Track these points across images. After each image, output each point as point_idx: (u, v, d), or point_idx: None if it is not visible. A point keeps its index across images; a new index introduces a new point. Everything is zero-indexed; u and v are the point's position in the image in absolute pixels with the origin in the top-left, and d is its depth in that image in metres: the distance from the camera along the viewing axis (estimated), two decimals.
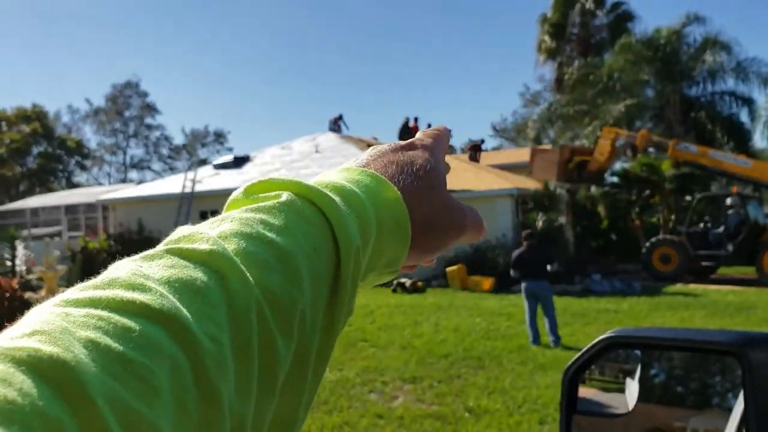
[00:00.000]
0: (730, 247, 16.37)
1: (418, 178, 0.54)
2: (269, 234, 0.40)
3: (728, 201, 17.28)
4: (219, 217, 0.43)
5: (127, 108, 56.79)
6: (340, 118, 27.44)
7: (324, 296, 0.42)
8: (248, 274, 0.37)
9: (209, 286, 0.35)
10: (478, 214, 0.60)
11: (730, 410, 0.83)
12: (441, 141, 0.63)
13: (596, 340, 0.90)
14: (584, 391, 0.96)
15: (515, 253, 9.12)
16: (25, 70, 78.35)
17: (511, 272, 9.10)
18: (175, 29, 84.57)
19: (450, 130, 0.66)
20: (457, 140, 64.02)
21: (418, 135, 0.64)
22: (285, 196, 0.43)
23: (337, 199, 0.45)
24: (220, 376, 0.32)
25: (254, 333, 0.35)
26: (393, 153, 0.57)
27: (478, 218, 0.60)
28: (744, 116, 23.11)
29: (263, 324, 0.36)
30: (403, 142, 0.59)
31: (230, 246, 0.38)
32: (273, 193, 0.43)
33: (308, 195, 0.43)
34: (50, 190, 45.54)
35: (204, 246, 0.37)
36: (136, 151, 58.88)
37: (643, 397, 0.90)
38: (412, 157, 0.57)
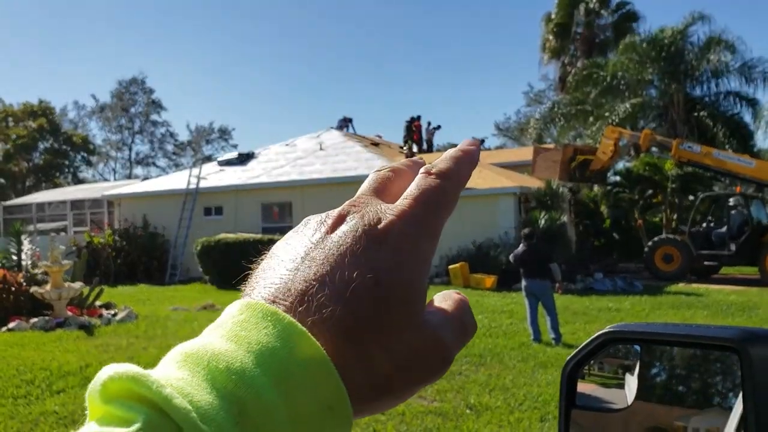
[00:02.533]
0: (732, 247, 16.33)
1: (365, 298, 0.33)
2: None
3: (731, 201, 17.24)
4: None
5: (132, 104, 56.83)
6: (350, 120, 27.51)
7: None
8: None
9: None
10: (465, 320, 0.38)
11: (730, 409, 0.81)
12: (440, 187, 0.38)
13: (595, 335, 0.88)
14: (583, 386, 0.93)
15: (515, 252, 9.09)
16: (31, 66, 78.55)
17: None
18: (181, 26, 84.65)
19: (477, 153, 0.42)
20: (460, 139, 63.92)
21: (385, 174, 0.41)
22: (141, 419, 0.27)
23: (211, 408, 0.28)
24: None
25: None
26: (316, 243, 0.36)
27: (466, 329, 0.38)
28: (747, 116, 23.13)
29: None
30: (337, 211, 0.37)
31: None
32: (128, 409, 0.28)
33: (170, 414, 0.27)
34: (56, 185, 45.70)
35: None
36: (141, 147, 58.85)
37: (641, 393, 0.88)
38: (348, 246, 0.34)
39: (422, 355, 0.34)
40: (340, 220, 0.36)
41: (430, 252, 0.36)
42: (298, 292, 0.33)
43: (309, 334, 0.31)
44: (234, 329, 0.31)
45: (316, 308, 0.32)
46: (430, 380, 0.35)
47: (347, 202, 0.38)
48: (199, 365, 0.29)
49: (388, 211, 0.36)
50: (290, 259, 0.35)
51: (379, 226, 0.35)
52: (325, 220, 0.37)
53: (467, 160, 0.41)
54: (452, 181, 0.39)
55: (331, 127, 26.35)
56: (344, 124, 27.19)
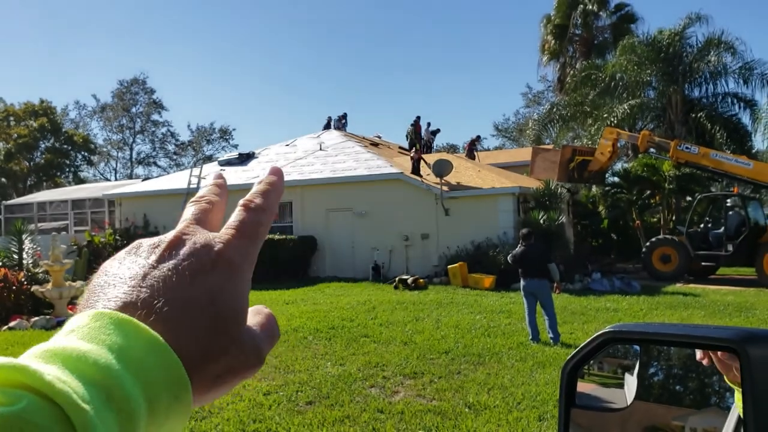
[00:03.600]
0: (730, 248, 16.37)
1: (203, 312, 0.40)
2: None
3: (729, 202, 17.31)
4: None
5: (133, 104, 56.70)
6: (344, 116, 27.51)
7: None
8: None
9: None
10: (273, 330, 0.46)
11: (728, 409, 0.83)
12: (257, 220, 0.46)
13: (595, 335, 0.89)
14: (583, 386, 0.95)
15: (513, 252, 9.13)
16: (33, 66, 78.27)
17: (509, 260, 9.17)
18: (183, 26, 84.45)
19: (281, 183, 0.51)
20: (460, 140, 63.94)
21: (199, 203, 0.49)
22: (24, 401, 0.31)
23: (85, 393, 0.32)
24: None
25: None
26: (153, 264, 0.41)
27: (273, 336, 0.45)
28: (745, 118, 23.17)
29: None
30: (170, 238, 0.43)
31: None
32: (9, 396, 0.31)
33: (53, 397, 0.31)
34: (57, 185, 45.62)
35: None
36: (142, 147, 58.75)
37: (640, 393, 0.89)
38: (185, 268, 0.41)
39: (246, 355, 0.41)
40: (173, 245, 0.42)
41: (250, 275, 0.44)
42: (144, 305, 0.38)
43: (161, 338, 0.37)
44: (92, 333, 0.36)
45: (163, 319, 0.38)
46: (250, 374, 0.42)
47: (176, 230, 0.44)
48: (67, 361, 0.34)
49: (217, 239, 0.43)
50: (129, 278, 0.40)
51: (210, 253, 0.42)
52: (158, 245, 0.43)
53: (276, 193, 0.49)
54: (266, 213, 0.47)
55: (335, 128, 26.35)
56: (340, 123, 27.14)
